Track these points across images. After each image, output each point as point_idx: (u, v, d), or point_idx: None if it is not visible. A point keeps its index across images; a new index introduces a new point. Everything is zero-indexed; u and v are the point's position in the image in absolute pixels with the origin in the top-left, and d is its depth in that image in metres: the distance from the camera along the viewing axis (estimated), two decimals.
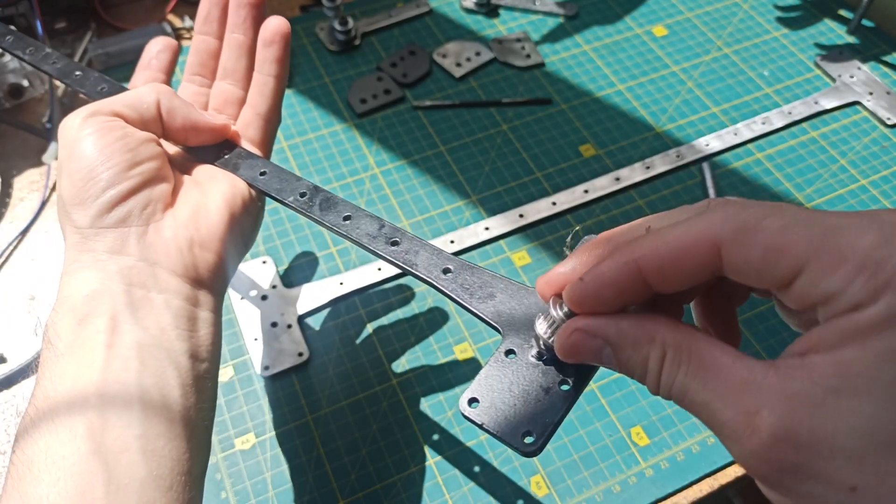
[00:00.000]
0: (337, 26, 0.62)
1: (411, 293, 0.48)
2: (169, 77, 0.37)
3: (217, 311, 0.32)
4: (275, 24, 0.38)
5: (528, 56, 0.63)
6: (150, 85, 0.33)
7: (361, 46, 0.64)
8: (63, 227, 0.30)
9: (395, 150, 0.56)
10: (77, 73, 0.37)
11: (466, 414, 0.23)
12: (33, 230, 0.52)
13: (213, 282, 0.32)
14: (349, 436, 0.42)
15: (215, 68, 0.38)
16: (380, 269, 0.49)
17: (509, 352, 0.25)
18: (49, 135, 0.53)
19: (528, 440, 0.22)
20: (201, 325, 0.30)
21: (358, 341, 0.46)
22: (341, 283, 0.48)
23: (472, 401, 0.23)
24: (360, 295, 0.48)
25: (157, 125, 0.33)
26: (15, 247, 0.51)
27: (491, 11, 0.67)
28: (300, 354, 0.45)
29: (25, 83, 0.55)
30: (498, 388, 0.24)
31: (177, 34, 0.64)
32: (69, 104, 0.59)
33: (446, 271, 0.28)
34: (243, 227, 0.34)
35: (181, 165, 0.34)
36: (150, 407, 0.26)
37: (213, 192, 0.33)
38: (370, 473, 0.41)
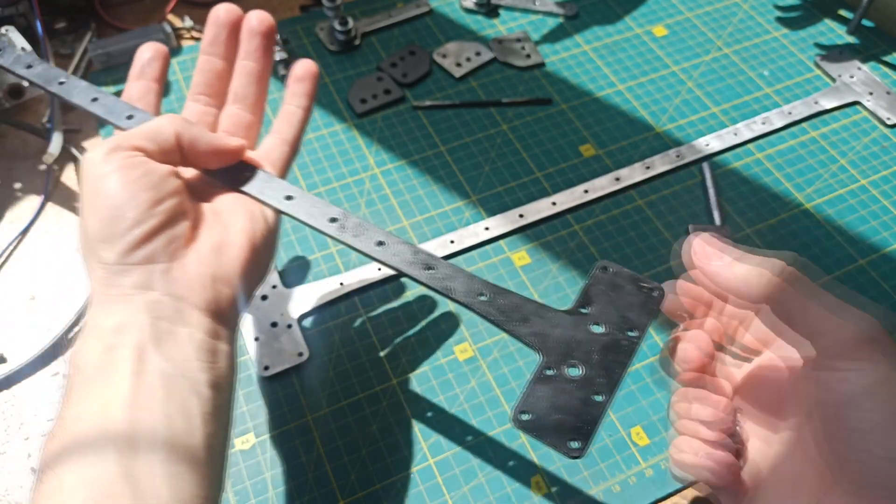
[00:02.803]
0: (337, 26, 0.62)
1: (411, 293, 0.48)
2: (162, 85, 0.37)
3: (233, 342, 0.32)
4: (307, 65, 0.39)
5: (528, 56, 0.63)
6: (166, 117, 0.33)
7: (361, 46, 0.64)
8: (88, 261, 0.31)
9: (395, 150, 0.56)
10: (61, 80, 0.37)
11: (519, 427, 0.27)
12: (33, 230, 0.52)
13: (231, 315, 0.32)
14: (349, 436, 0.42)
15: (221, 90, 0.38)
16: (380, 269, 0.49)
17: (548, 368, 0.29)
18: (49, 135, 0.53)
19: (574, 445, 0.27)
20: (221, 356, 0.31)
21: (358, 341, 0.46)
22: (341, 284, 0.48)
23: (523, 413, 0.27)
24: (359, 295, 0.48)
25: (176, 154, 0.33)
26: (15, 247, 0.51)
27: (491, 11, 0.67)
28: (300, 354, 0.45)
29: (25, 83, 0.55)
30: (543, 401, 0.28)
31: (177, 34, 0.64)
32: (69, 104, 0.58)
33: (481, 295, 0.31)
34: (262, 260, 0.34)
35: (200, 194, 0.35)
36: (174, 434, 0.27)
37: (234, 225, 0.33)
38: (370, 473, 0.41)
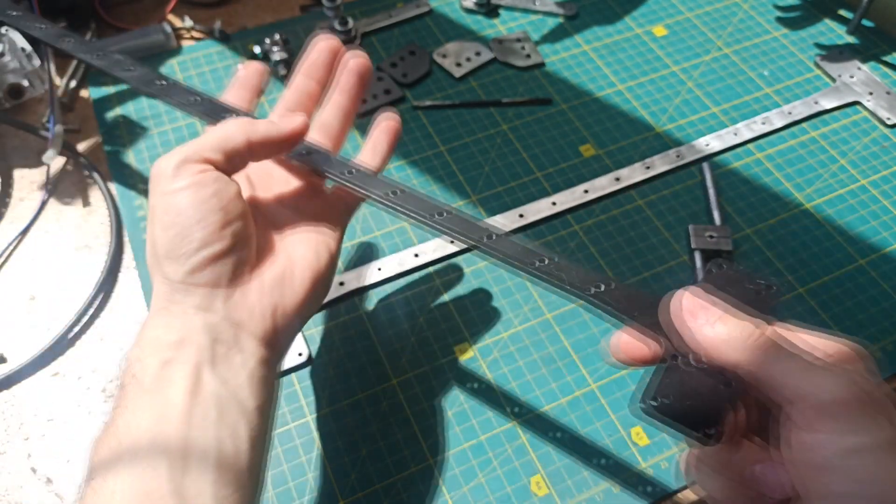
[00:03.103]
0: (337, 26, 0.62)
1: (411, 293, 0.48)
2: (258, 98, 0.39)
3: (276, 370, 0.33)
4: (394, 122, 0.40)
5: (528, 56, 0.63)
6: (234, 122, 0.33)
7: (361, 46, 0.64)
8: (152, 273, 0.31)
9: (395, 150, 0.56)
10: (160, 82, 0.37)
11: (650, 412, 0.27)
12: (33, 230, 0.52)
13: (283, 346, 0.33)
14: (349, 436, 0.42)
15: (309, 110, 0.39)
16: (380, 269, 0.49)
17: (674, 357, 0.28)
18: (49, 135, 0.53)
19: (710, 431, 0.26)
20: (268, 384, 0.31)
21: (358, 341, 0.46)
22: (341, 284, 0.48)
23: (654, 399, 0.27)
24: (360, 295, 0.48)
25: (247, 157, 0.33)
26: (15, 247, 0.51)
27: (491, 11, 0.67)
28: (300, 354, 0.45)
29: (25, 83, 0.55)
30: (672, 389, 0.28)
31: (176, 34, 0.64)
32: (69, 104, 0.59)
33: (596, 286, 0.32)
34: (321, 294, 0.35)
35: (268, 220, 0.35)
36: (224, 456, 0.28)
37: (299, 257, 0.34)
38: (370, 473, 0.41)
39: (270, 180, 0.36)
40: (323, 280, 0.34)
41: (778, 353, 0.25)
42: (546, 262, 0.32)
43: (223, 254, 0.30)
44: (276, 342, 0.32)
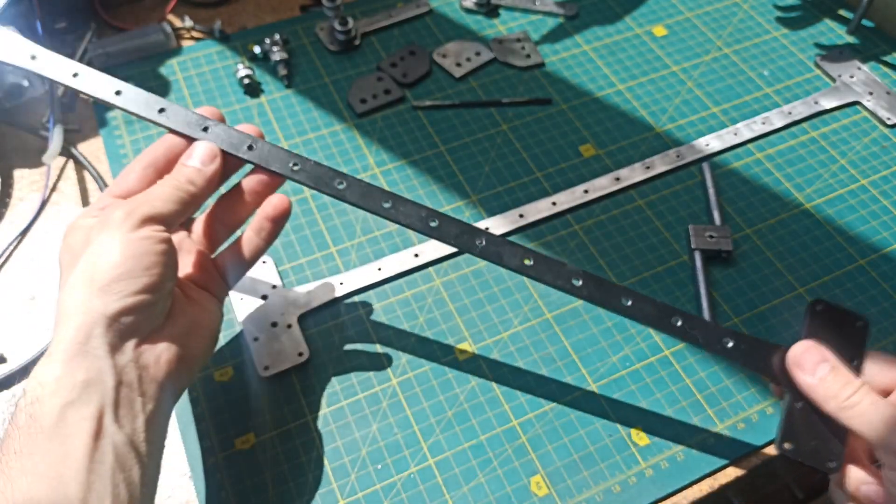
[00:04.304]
0: (337, 26, 0.62)
1: (411, 293, 0.48)
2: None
3: (169, 415, 0.35)
4: (283, 204, 0.40)
5: (528, 56, 0.63)
6: (170, 189, 0.36)
7: (361, 46, 0.64)
8: (68, 305, 0.32)
9: (395, 150, 0.56)
10: (295, 165, 0.38)
11: (786, 454, 0.35)
12: (33, 230, 0.52)
13: (180, 392, 0.36)
14: (349, 436, 0.42)
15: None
16: (380, 269, 0.49)
17: (797, 401, 0.35)
18: (49, 135, 0.53)
19: (831, 465, 0.34)
20: (162, 429, 0.34)
21: (358, 341, 0.46)
22: (341, 283, 0.48)
23: (785, 442, 0.35)
24: (360, 295, 0.48)
25: (189, 213, 0.36)
26: (15, 247, 0.51)
27: (491, 11, 0.67)
28: (300, 354, 0.45)
29: (25, 83, 0.55)
30: (796, 430, 0.35)
31: (177, 34, 0.64)
32: (69, 104, 0.59)
33: (727, 341, 0.37)
34: (212, 348, 0.38)
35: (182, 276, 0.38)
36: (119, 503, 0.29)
37: (204, 313, 0.37)
38: (370, 473, 0.41)
39: (179, 250, 0.38)
40: (217, 337, 0.38)
41: (863, 410, 0.32)
42: (680, 322, 0.37)
43: (153, 304, 0.33)
44: (173, 389, 0.34)
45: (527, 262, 0.37)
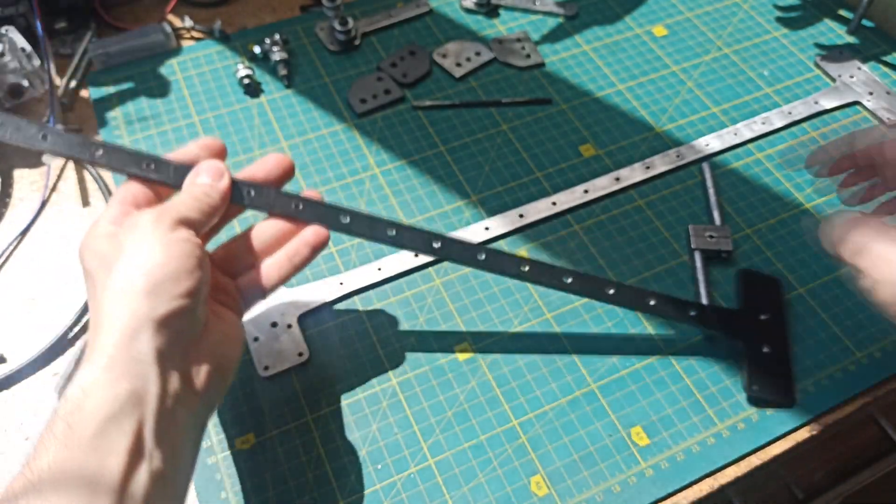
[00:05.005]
0: (337, 26, 0.62)
1: (411, 293, 0.48)
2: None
3: (206, 426, 0.35)
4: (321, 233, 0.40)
5: (528, 56, 0.63)
6: (201, 195, 0.36)
7: (361, 46, 0.64)
8: (111, 308, 0.31)
9: (395, 150, 0.56)
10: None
11: (754, 394, 0.43)
12: (33, 230, 0.52)
13: (216, 404, 0.35)
14: (349, 435, 0.42)
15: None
16: (380, 269, 0.49)
17: (751, 351, 0.45)
18: None
19: (789, 399, 0.44)
20: (199, 442, 0.33)
21: (358, 341, 0.46)
22: (341, 283, 0.48)
23: (752, 385, 0.43)
24: (359, 295, 0.48)
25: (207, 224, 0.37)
26: (15, 247, 0.51)
27: (491, 11, 0.67)
28: (300, 354, 0.45)
29: (25, 83, 0.55)
30: (760, 374, 0.44)
31: (177, 34, 0.64)
32: (69, 104, 0.59)
33: (691, 309, 0.44)
34: (239, 361, 0.37)
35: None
36: None
37: (232, 323, 0.36)
38: (370, 473, 0.41)
39: None
40: (242, 351, 0.37)
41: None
42: (653, 303, 0.43)
43: (195, 309, 0.32)
44: (209, 402, 0.34)
45: (524, 268, 0.41)
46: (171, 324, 0.31)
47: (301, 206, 0.39)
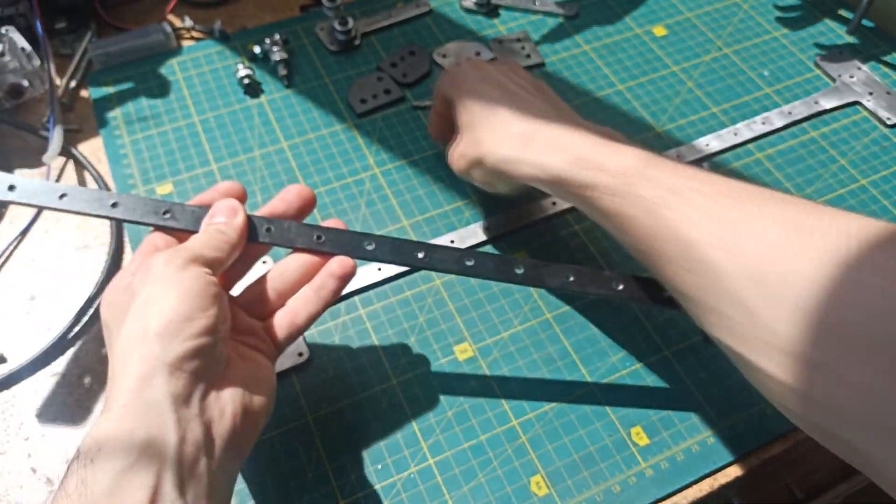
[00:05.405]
0: (337, 26, 0.62)
1: (411, 293, 0.48)
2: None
3: (235, 476, 0.33)
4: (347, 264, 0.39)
5: (528, 56, 0.63)
6: (215, 235, 0.36)
7: (361, 46, 0.64)
8: (126, 355, 0.30)
9: (395, 150, 0.56)
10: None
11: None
12: (33, 230, 0.52)
13: (245, 451, 0.33)
14: (349, 436, 0.42)
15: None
16: (380, 269, 0.49)
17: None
18: (49, 135, 0.53)
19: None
20: (225, 498, 0.31)
21: (358, 342, 0.46)
22: None
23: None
24: (360, 295, 0.48)
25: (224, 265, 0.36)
26: (15, 247, 0.51)
27: (491, 11, 0.67)
28: (300, 355, 0.45)
29: (25, 83, 0.55)
30: None
31: (177, 34, 0.64)
32: (69, 104, 0.59)
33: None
34: (273, 403, 0.35)
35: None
36: None
37: (262, 364, 0.35)
38: (370, 474, 0.41)
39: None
40: (274, 393, 0.36)
41: None
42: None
43: (212, 347, 0.31)
44: (238, 449, 0.32)
45: (571, 278, 0.40)
46: (187, 366, 0.29)
47: (323, 238, 0.38)
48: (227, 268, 0.36)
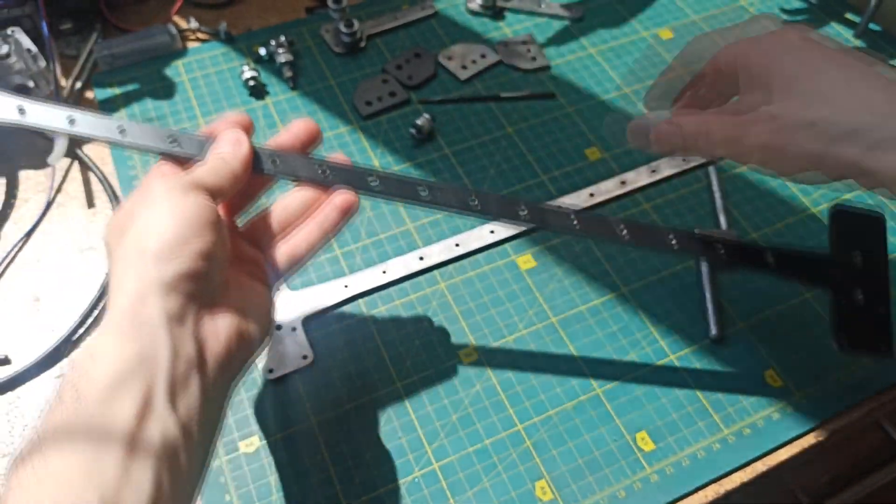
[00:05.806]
0: (342, 28, 0.62)
1: (415, 296, 0.48)
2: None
3: (229, 396, 0.33)
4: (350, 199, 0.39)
5: (534, 59, 0.63)
6: (220, 163, 0.36)
7: (367, 48, 0.64)
8: (123, 271, 0.31)
9: (400, 152, 0.56)
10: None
11: (843, 349, 0.40)
12: (38, 231, 0.52)
13: (238, 373, 0.33)
14: (353, 439, 0.42)
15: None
16: (384, 272, 0.49)
17: (839, 300, 0.42)
18: (54, 136, 0.53)
19: (883, 349, 0.40)
20: (217, 415, 0.32)
21: (362, 344, 0.46)
22: (346, 286, 0.48)
23: (839, 337, 0.40)
24: (364, 298, 0.48)
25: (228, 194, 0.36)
26: (20, 248, 0.51)
27: (496, 14, 0.67)
28: (305, 357, 0.45)
29: (31, 84, 0.55)
30: (846, 322, 0.41)
31: (182, 35, 0.64)
32: (74, 104, 0.58)
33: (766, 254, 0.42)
34: (270, 331, 0.36)
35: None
36: (161, 496, 0.27)
37: (259, 296, 0.35)
38: (374, 477, 0.41)
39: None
40: (272, 321, 0.36)
41: None
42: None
43: (208, 272, 0.31)
44: (232, 370, 0.32)
45: (575, 222, 0.40)
46: (182, 286, 0.30)
47: (328, 172, 0.38)
48: (229, 197, 0.36)
